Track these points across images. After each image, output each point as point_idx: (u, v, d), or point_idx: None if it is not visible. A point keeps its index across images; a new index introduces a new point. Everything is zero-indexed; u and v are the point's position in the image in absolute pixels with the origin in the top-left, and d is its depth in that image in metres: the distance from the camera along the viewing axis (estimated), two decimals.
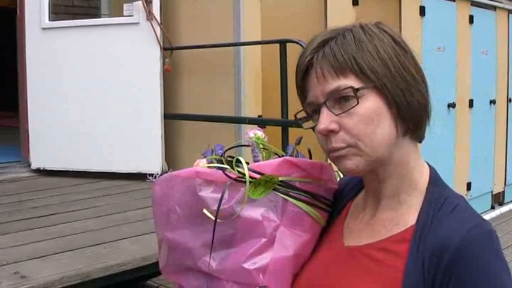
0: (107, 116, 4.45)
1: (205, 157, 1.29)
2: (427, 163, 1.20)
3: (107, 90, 4.43)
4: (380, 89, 1.09)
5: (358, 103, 1.08)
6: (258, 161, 1.27)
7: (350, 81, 1.08)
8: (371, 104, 1.09)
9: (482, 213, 6.53)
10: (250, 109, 4.33)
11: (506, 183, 7.22)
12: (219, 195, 1.17)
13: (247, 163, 1.21)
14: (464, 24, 6.25)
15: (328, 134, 1.10)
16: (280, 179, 1.19)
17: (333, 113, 1.09)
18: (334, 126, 1.09)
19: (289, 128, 3.76)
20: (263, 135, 1.34)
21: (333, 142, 1.10)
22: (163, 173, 1.30)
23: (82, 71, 4.47)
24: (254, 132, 1.34)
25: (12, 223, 3.25)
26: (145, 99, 4.38)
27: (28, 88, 4.64)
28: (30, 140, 4.67)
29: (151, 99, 4.36)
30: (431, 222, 1.07)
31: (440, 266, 1.02)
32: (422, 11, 5.67)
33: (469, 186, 6.43)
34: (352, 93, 1.08)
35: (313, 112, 1.15)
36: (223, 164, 1.22)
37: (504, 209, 6.92)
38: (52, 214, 3.45)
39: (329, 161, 1.22)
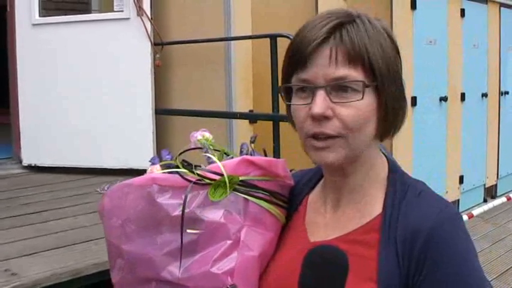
0: (98, 112, 4.43)
1: (153, 164, 1.26)
2: (383, 152, 1.20)
3: (98, 87, 4.41)
4: (379, 88, 1.08)
5: (362, 98, 1.06)
6: (213, 162, 1.22)
7: (357, 74, 1.06)
8: (369, 101, 1.08)
9: (474, 206, 6.58)
10: (241, 104, 4.32)
11: (499, 177, 7.25)
12: (177, 201, 1.14)
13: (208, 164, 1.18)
14: (455, 17, 6.26)
15: (321, 118, 1.07)
16: (240, 178, 1.17)
17: (330, 99, 1.07)
18: (329, 112, 1.07)
19: (280, 123, 3.75)
20: (211, 136, 1.31)
21: (323, 127, 1.07)
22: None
23: (73, 68, 4.44)
24: (202, 134, 1.31)
25: (3, 220, 3.23)
26: (136, 94, 4.36)
27: (19, 84, 4.63)
28: (21, 136, 4.65)
29: (142, 95, 4.35)
30: (399, 209, 1.09)
31: (414, 251, 1.04)
32: (413, 4, 5.66)
33: (461, 179, 6.44)
34: (359, 88, 1.06)
35: (300, 89, 1.11)
36: (179, 168, 1.19)
37: (496, 202, 6.93)
38: (43, 211, 3.43)
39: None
